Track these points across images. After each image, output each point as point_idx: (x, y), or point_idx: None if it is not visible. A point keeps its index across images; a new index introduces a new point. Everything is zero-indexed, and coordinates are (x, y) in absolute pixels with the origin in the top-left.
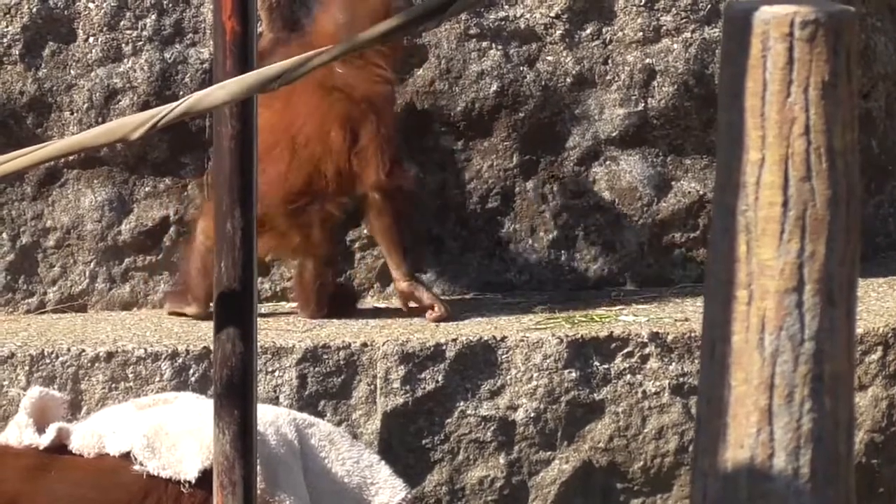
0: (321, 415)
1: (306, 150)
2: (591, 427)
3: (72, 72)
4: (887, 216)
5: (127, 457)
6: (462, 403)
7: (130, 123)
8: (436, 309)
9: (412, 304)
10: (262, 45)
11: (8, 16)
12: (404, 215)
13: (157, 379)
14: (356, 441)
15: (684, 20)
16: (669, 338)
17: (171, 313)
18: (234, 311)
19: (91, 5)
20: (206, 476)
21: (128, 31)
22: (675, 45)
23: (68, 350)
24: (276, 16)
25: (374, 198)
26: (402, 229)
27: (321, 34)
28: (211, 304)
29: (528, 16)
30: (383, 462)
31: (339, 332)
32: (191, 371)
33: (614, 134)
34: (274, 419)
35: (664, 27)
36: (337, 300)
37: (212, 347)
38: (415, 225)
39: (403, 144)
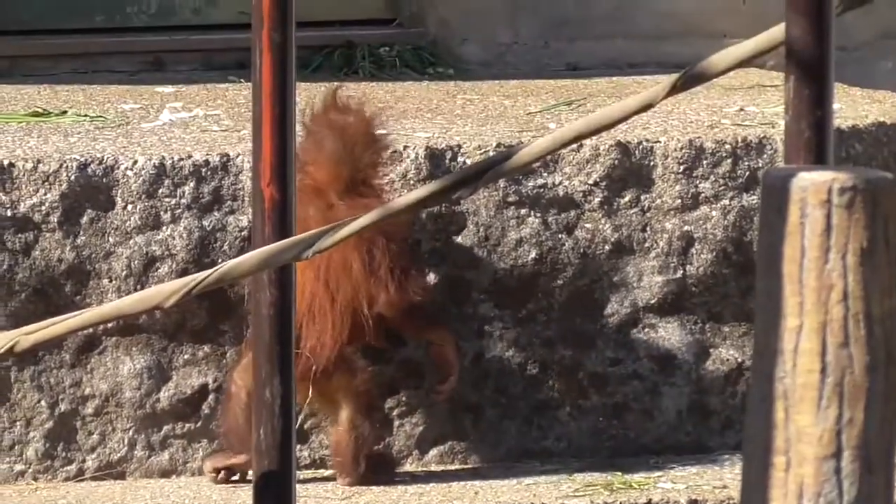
0: None
1: (340, 294)
2: None
3: (110, 239)
4: None
5: None
6: None
7: (165, 291)
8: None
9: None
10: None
11: (46, 183)
12: (424, 318)
13: None
14: None
15: (722, 187)
16: None
17: (214, 470)
18: (273, 479)
19: (129, 173)
20: None
21: (166, 199)
22: (714, 213)
23: None
24: None
25: (394, 318)
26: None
27: (319, 174)
28: None
29: (566, 183)
30: None
31: (378, 499)
32: None
33: (653, 301)
34: None
35: (702, 194)
36: (375, 464)
37: None
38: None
39: (417, 252)
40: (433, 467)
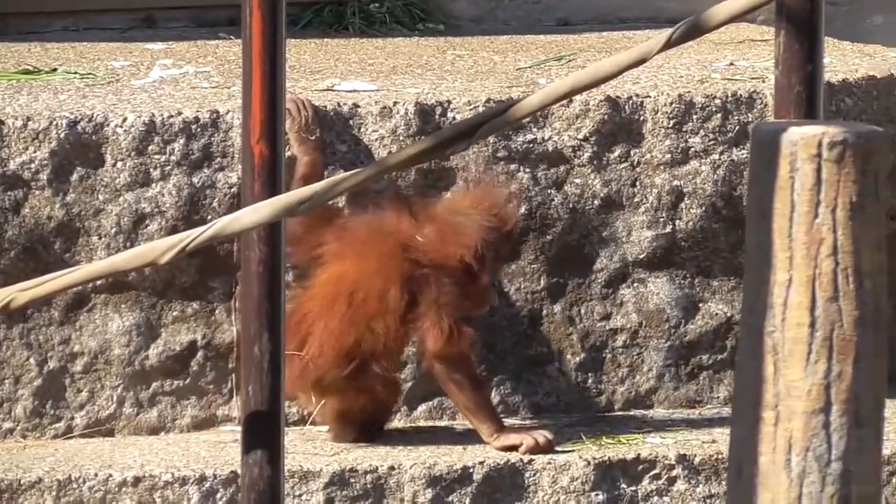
0: None
1: (363, 306)
2: None
3: (100, 196)
4: None
5: None
6: None
7: (159, 248)
8: (523, 445)
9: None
10: (303, 171)
11: (36, 141)
12: (472, 376)
13: (185, 503)
14: None
15: (712, 142)
16: (697, 460)
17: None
18: (262, 434)
19: (119, 130)
20: None
21: (156, 156)
22: (704, 167)
23: (95, 475)
24: (306, 137)
25: (439, 368)
26: (475, 389)
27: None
28: None
29: (556, 138)
30: None
31: (367, 455)
32: (218, 495)
33: (642, 256)
34: None
35: (692, 149)
36: (366, 425)
37: (239, 471)
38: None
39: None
40: (422, 423)
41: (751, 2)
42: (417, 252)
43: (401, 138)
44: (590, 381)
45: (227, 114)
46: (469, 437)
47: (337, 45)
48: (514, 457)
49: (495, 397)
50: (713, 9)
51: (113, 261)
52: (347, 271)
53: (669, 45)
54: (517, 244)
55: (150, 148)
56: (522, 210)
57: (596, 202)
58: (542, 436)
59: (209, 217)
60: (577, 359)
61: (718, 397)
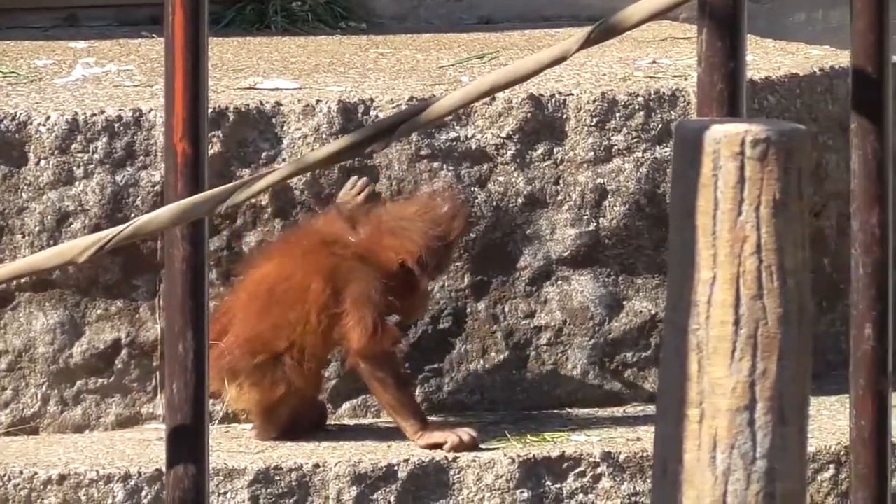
0: None
1: (281, 298)
2: None
3: (23, 195)
4: (839, 334)
5: None
6: None
7: (79, 246)
8: (447, 443)
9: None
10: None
11: None
12: (396, 374)
13: (110, 501)
14: None
15: (635, 140)
16: (622, 457)
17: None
18: (187, 432)
19: (42, 128)
20: None
21: (79, 155)
22: (627, 165)
23: (20, 473)
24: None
25: (363, 366)
26: (399, 387)
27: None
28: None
29: (479, 136)
30: None
31: (292, 453)
32: (143, 493)
33: (566, 254)
34: None
35: (615, 147)
36: (291, 422)
37: (164, 469)
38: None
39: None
40: (346, 421)
41: (670, 0)
42: (346, 249)
43: (323, 136)
44: (514, 378)
45: (149, 112)
46: (394, 435)
47: (259, 44)
48: (438, 454)
49: (419, 395)
50: (631, 7)
51: (33, 260)
52: (272, 268)
53: (588, 42)
54: (456, 255)
55: (73, 146)
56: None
57: (519, 200)
58: (466, 433)
59: (133, 215)
60: (502, 356)
61: (643, 395)
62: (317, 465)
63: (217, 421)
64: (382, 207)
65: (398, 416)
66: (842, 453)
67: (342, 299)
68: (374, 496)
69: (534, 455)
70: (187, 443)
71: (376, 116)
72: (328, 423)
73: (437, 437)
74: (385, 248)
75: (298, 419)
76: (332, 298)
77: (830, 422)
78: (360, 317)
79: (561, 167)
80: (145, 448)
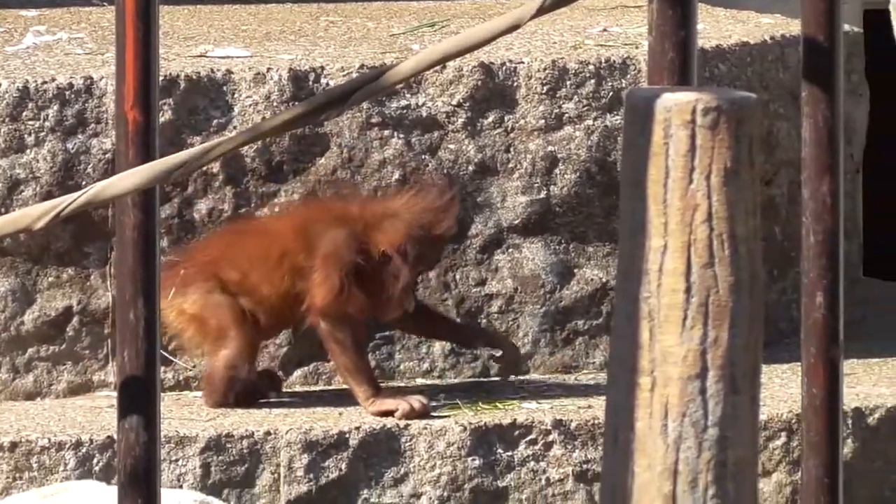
0: None
1: (255, 243)
2: None
3: None
4: (790, 302)
5: None
6: (366, 492)
7: (33, 213)
8: (399, 410)
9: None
10: None
11: None
12: (356, 339)
13: (62, 468)
14: None
15: (586, 108)
16: (573, 425)
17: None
18: (138, 400)
19: None
20: None
21: (30, 122)
22: (578, 133)
23: None
24: None
25: (324, 325)
26: (357, 352)
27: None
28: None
29: (429, 104)
30: None
31: (243, 420)
32: (95, 460)
33: (517, 222)
34: (178, 502)
35: (566, 115)
36: (245, 393)
37: (115, 437)
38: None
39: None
40: (297, 388)
41: None
42: (332, 218)
43: (274, 104)
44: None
45: (100, 80)
46: (345, 402)
47: (210, 12)
48: (390, 422)
49: (371, 361)
50: None
51: None
52: (258, 222)
53: (542, 11)
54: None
55: (24, 114)
56: (396, 176)
57: (470, 168)
58: (417, 401)
59: (84, 183)
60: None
61: (594, 363)
62: (268, 433)
63: (168, 388)
64: (373, 196)
65: (352, 381)
66: (793, 421)
67: (313, 255)
68: (326, 463)
69: (485, 422)
70: (139, 410)
71: (327, 84)
72: (278, 391)
73: (388, 404)
74: (369, 235)
75: (240, 380)
76: (304, 251)
77: (782, 390)
78: (326, 274)
79: (512, 135)
80: (97, 415)
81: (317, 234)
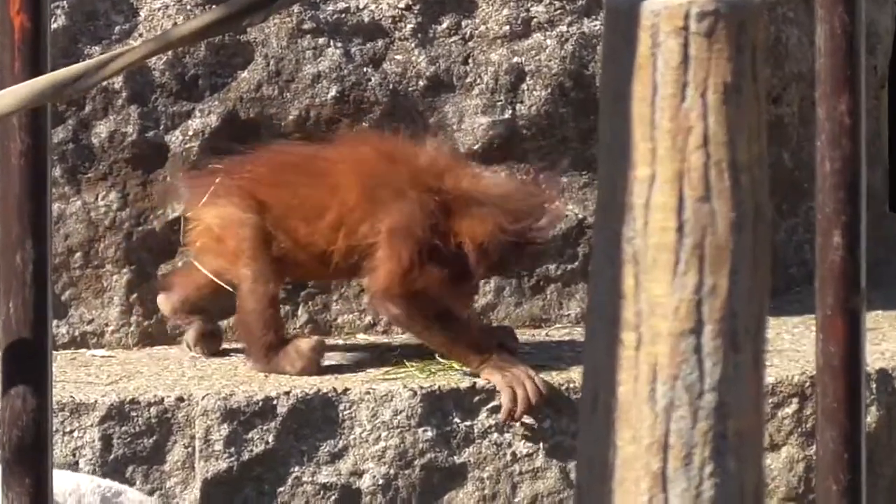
0: (130, 482)
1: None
2: (452, 496)
3: None
4: (802, 243)
5: None
6: (297, 469)
7: None
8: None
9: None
10: None
11: None
12: (430, 313)
13: None
14: None
15: (559, 11)
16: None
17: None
18: (25, 360)
19: None
20: None
21: None
22: (549, 41)
23: None
24: None
25: (390, 309)
26: (443, 326)
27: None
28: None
29: (372, 7)
30: None
31: (151, 384)
32: None
33: (476, 146)
34: (75, 488)
35: (535, 20)
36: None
37: None
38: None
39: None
40: (235, 344)
41: None
42: (406, 175)
43: (188, 8)
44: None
45: None
46: None
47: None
48: (325, 386)
49: (303, 315)
50: None
51: None
52: (336, 153)
53: None
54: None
55: None
56: (333, 92)
57: (421, 83)
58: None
59: None
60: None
61: (569, 315)
62: (181, 399)
63: (61, 345)
64: (475, 175)
65: (454, 359)
66: (806, 385)
67: (377, 222)
68: (249, 435)
69: (439, 387)
70: (26, 371)
71: None
72: (223, 346)
73: (496, 379)
74: (449, 217)
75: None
76: (367, 217)
77: (792, 347)
78: (394, 251)
79: (470, 44)
80: None
81: (385, 198)
